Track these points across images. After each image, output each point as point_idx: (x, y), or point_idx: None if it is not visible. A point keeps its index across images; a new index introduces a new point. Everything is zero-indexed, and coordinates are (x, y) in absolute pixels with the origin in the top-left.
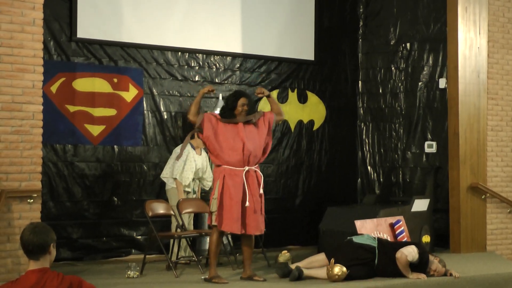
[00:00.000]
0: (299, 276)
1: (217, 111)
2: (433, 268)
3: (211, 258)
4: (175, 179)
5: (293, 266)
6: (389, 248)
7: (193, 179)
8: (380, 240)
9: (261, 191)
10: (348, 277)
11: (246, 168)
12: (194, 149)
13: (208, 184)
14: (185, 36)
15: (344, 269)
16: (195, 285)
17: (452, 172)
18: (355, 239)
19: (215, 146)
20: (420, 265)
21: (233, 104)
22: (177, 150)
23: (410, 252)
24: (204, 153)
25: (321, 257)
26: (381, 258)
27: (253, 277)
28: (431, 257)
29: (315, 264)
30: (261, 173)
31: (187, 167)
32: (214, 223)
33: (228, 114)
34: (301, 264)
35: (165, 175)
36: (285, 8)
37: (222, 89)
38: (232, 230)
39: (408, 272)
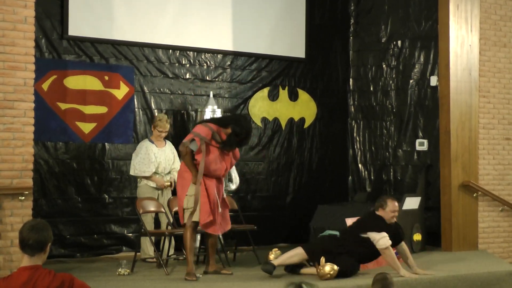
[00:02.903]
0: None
1: (209, 108)
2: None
3: (187, 255)
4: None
5: (275, 262)
6: (349, 232)
7: (163, 174)
8: (341, 231)
9: (225, 195)
10: (338, 274)
11: None
12: (153, 143)
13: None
14: (176, 33)
15: (336, 267)
16: (185, 282)
17: (443, 170)
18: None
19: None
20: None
21: (241, 136)
22: (138, 147)
23: (377, 241)
24: (168, 146)
25: (299, 250)
26: (347, 243)
27: (220, 270)
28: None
29: (295, 259)
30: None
31: (145, 160)
32: (190, 220)
33: (233, 141)
34: (279, 260)
35: (133, 173)
36: (276, 5)
37: (213, 86)
38: (207, 228)
39: (397, 266)
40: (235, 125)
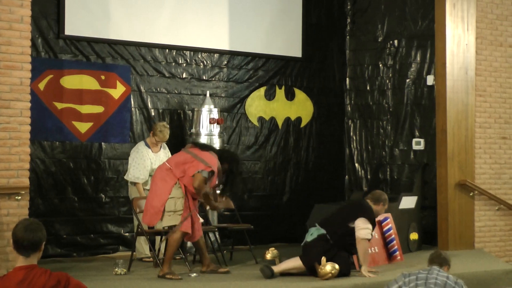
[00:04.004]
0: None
1: (205, 108)
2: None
3: (169, 256)
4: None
5: (275, 269)
6: (337, 224)
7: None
8: (323, 224)
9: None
10: (339, 273)
11: None
12: (149, 147)
13: None
14: (173, 33)
15: (337, 266)
16: (182, 282)
17: (440, 169)
18: (308, 239)
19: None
20: None
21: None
22: (134, 151)
23: (359, 228)
24: (163, 151)
25: (298, 263)
26: (336, 238)
27: (217, 269)
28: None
29: (294, 271)
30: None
31: (140, 166)
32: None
33: (230, 182)
34: (279, 268)
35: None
36: (273, 4)
37: (210, 86)
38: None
39: (365, 261)
40: (231, 164)
